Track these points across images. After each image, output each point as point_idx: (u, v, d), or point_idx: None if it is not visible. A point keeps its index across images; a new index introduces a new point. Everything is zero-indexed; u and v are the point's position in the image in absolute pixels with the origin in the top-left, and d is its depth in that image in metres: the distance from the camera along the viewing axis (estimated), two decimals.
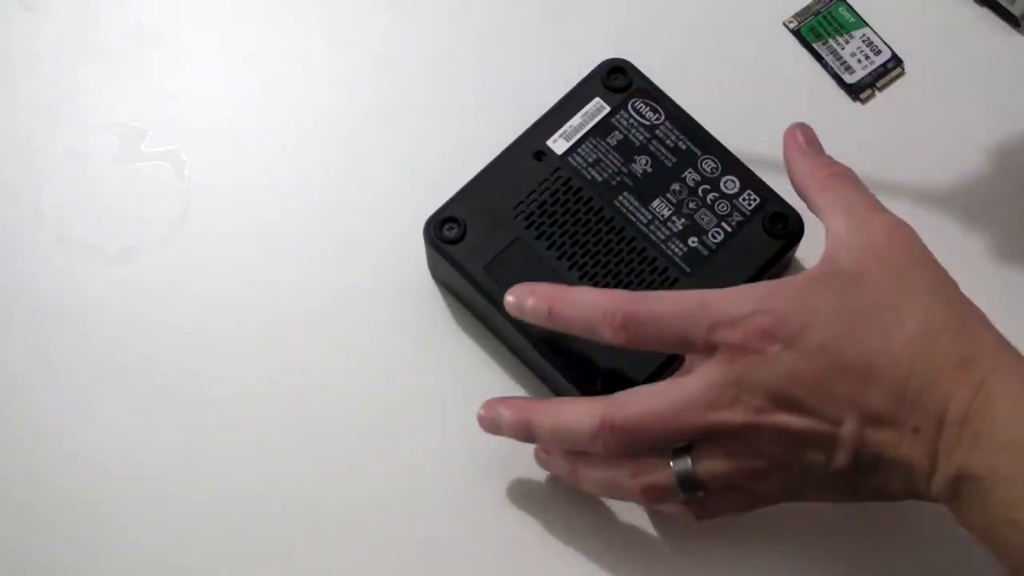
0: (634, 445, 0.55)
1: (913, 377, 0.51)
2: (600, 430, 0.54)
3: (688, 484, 0.55)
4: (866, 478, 0.53)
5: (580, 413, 0.55)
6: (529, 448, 0.62)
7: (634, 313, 0.54)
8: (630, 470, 0.56)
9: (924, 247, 0.55)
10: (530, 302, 0.57)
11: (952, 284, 0.54)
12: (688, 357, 0.56)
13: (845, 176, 0.57)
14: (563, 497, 0.62)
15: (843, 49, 0.70)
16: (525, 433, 0.58)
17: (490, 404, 0.59)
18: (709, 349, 0.53)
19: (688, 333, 0.54)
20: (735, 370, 0.53)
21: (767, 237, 0.62)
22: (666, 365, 0.60)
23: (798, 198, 0.59)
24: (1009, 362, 0.52)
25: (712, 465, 0.54)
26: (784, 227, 0.62)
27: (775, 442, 0.53)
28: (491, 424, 0.59)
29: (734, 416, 0.53)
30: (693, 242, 0.62)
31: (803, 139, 0.59)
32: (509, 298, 0.58)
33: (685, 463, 0.54)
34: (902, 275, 0.54)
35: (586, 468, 0.58)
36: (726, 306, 0.53)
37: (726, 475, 0.54)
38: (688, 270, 0.61)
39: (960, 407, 0.50)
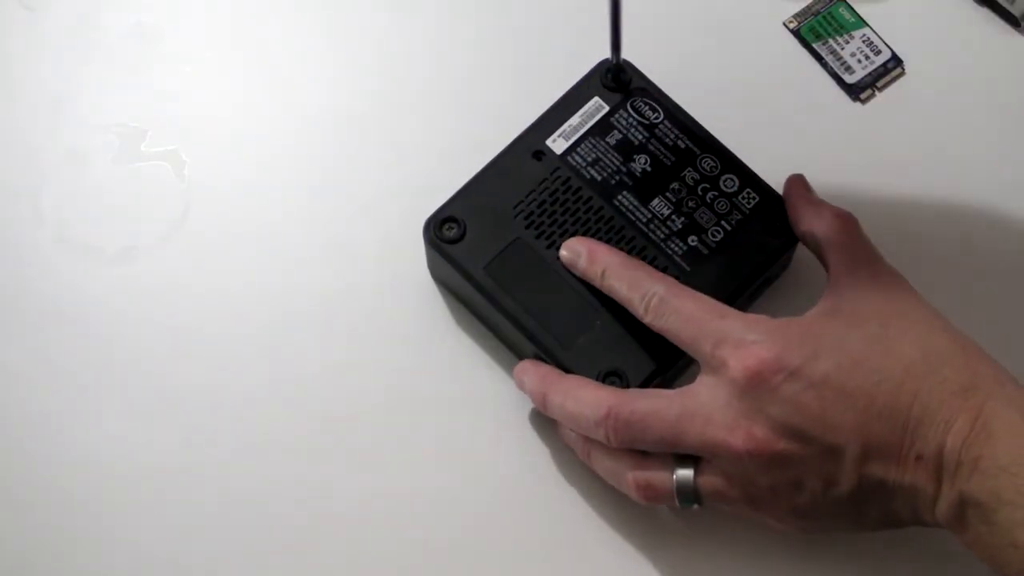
0: (635, 441, 0.56)
1: (915, 405, 0.52)
2: (605, 419, 0.56)
3: (686, 494, 0.56)
4: (870, 507, 0.54)
5: (591, 399, 0.57)
6: (527, 448, 0.62)
7: (667, 301, 0.57)
8: (633, 463, 0.57)
9: (918, 293, 0.57)
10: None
11: (948, 322, 0.56)
12: (701, 369, 0.57)
13: (848, 220, 0.59)
14: (562, 496, 0.62)
15: (843, 49, 0.70)
16: (540, 404, 0.60)
17: (523, 365, 0.61)
18: (714, 362, 0.55)
19: (698, 338, 0.56)
20: (739, 397, 0.54)
21: (767, 235, 0.62)
22: (663, 369, 0.60)
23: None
24: (1008, 390, 0.53)
25: (713, 482, 0.56)
26: (784, 225, 0.61)
27: (776, 470, 0.54)
28: (518, 384, 0.61)
29: (734, 440, 0.54)
30: (692, 241, 0.62)
31: (803, 185, 0.61)
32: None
33: (688, 473, 0.56)
34: (902, 312, 0.56)
35: (598, 452, 0.59)
36: (738, 326, 0.55)
37: (725, 496, 0.56)
38: (688, 268, 0.61)
39: (960, 433, 0.52)
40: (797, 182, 0.61)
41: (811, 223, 0.60)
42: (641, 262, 0.60)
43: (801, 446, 0.53)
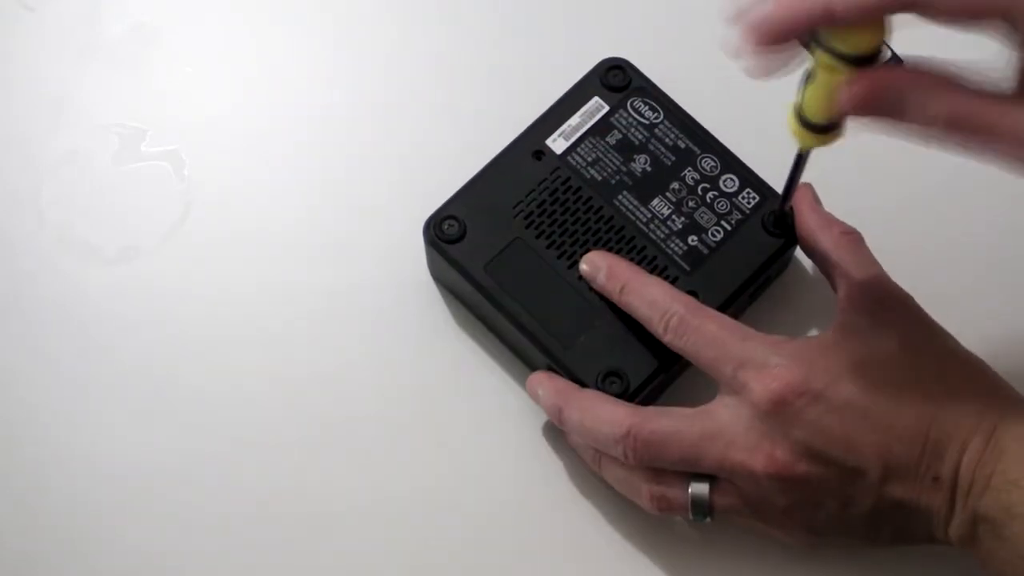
0: (653, 460, 0.57)
1: (934, 428, 0.53)
2: (624, 438, 0.56)
3: (700, 509, 0.56)
4: (884, 526, 0.55)
5: (610, 417, 0.57)
6: (528, 448, 0.62)
7: (687, 322, 0.57)
8: (647, 476, 0.57)
9: (926, 313, 0.57)
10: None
11: (959, 344, 0.56)
12: (720, 389, 0.57)
13: (856, 238, 0.59)
14: (566, 496, 0.62)
15: None
16: (555, 418, 0.60)
17: (538, 377, 0.61)
18: (735, 385, 0.55)
19: (720, 360, 0.56)
20: (762, 419, 0.54)
21: (767, 235, 0.62)
22: (664, 368, 0.60)
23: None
24: (1021, 408, 0.54)
25: (728, 500, 0.56)
26: (784, 225, 0.62)
27: (795, 491, 0.54)
28: (532, 395, 0.61)
29: (755, 462, 0.54)
30: (693, 240, 0.62)
31: (811, 197, 0.61)
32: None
33: (703, 488, 0.56)
34: (917, 335, 0.56)
35: (609, 462, 0.59)
36: (761, 349, 0.55)
37: (738, 512, 0.56)
38: (688, 268, 0.61)
39: (974, 454, 0.52)
40: (805, 194, 0.61)
41: (818, 241, 0.60)
42: (660, 280, 0.60)
43: (822, 468, 0.54)
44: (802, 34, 0.49)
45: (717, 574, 0.61)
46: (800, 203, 0.61)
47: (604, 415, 0.57)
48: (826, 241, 0.59)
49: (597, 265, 0.60)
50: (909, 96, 0.48)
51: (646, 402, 0.60)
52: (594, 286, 0.60)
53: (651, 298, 0.58)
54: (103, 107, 0.69)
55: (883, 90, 0.49)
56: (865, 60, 0.49)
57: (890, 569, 0.60)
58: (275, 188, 0.68)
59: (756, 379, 0.54)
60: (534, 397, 0.61)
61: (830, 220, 0.60)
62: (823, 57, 0.49)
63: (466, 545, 0.62)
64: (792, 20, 0.48)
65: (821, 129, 0.52)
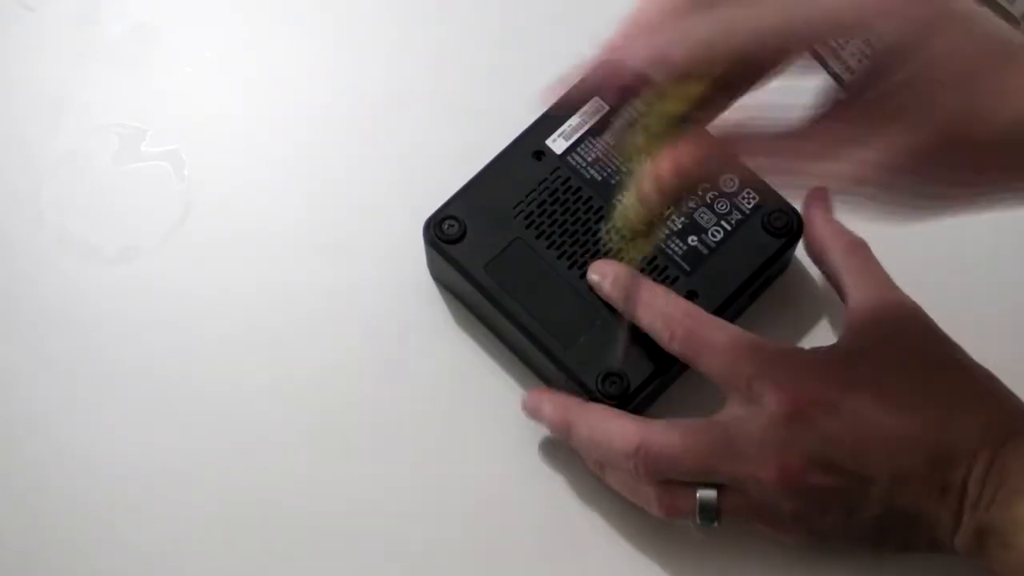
0: (664, 474, 0.56)
1: (943, 439, 0.53)
2: (635, 454, 0.56)
3: (708, 514, 0.56)
4: (889, 534, 0.55)
5: (619, 432, 0.57)
6: (527, 448, 0.62)
7: (696, 333, 0.57)
8: (656, 484, 0.57)
9: (935, 324, 0.57)
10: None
11: (968, 356, 0.57)
12: (729, 399, 0.57)
13: (864, 248, 0.60)
14: (566, 498, 0.62)
15: (843, 49, 0.70)
16: (563, 433, 0.59)
17: (536, 395, 0.60)
18: (747, 396, 0.55)
19: (732, 371, 0.56)
20: (774, 429, 0.54)
21: (767, 236, 0.62)
22: (664, 369, 0.60)
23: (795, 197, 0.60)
24: None
25: (736, 506, 0.56)
26: (783, 225, 0.62)
27: (803, 499, 0.54)
28: (533, 413, 0.61)
29: (766, 473, 0.54)
30: (692, 241, 0.62)
31: (823, 201, 0.61)
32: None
33: (711, 494, 0.56)
34: (927, 348, 0.57)
35: (614, 468, 0.59)
36: (771, 359, 0.56)
37: (748, 517, 0.56)
38: (688, 269, 0.61)
39: (983, 465, 0.52)
40: (817, 197, 0.61)
41: (827, 251, 0.60)
42: (667, 289, 0.60)
43: (833, 478, 0.54)
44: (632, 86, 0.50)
45: (720, 575, 0.61)
46: (812, 211, 0.61)
47: (614, 430, 0.57)
48: (835, 251, 0.60)
49: (603, 272, 0.60)
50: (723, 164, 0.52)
51: (646, 402, 0.60)
52: (600, 294, 0.60)
53: (658, 308, 0.58)
54: (103, 107, 0.69)
55: (694, 160, 0.49)
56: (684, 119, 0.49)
57: (893, 571, 0.60)
58: (275, 188, 0.68)
59: (769, 390, 0.54)
60: (535, 414, 0.60)
61: (839, 230, 0.60)
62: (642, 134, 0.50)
63: (466, 545, 0.62)
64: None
65: (645, 232, 0.52)
